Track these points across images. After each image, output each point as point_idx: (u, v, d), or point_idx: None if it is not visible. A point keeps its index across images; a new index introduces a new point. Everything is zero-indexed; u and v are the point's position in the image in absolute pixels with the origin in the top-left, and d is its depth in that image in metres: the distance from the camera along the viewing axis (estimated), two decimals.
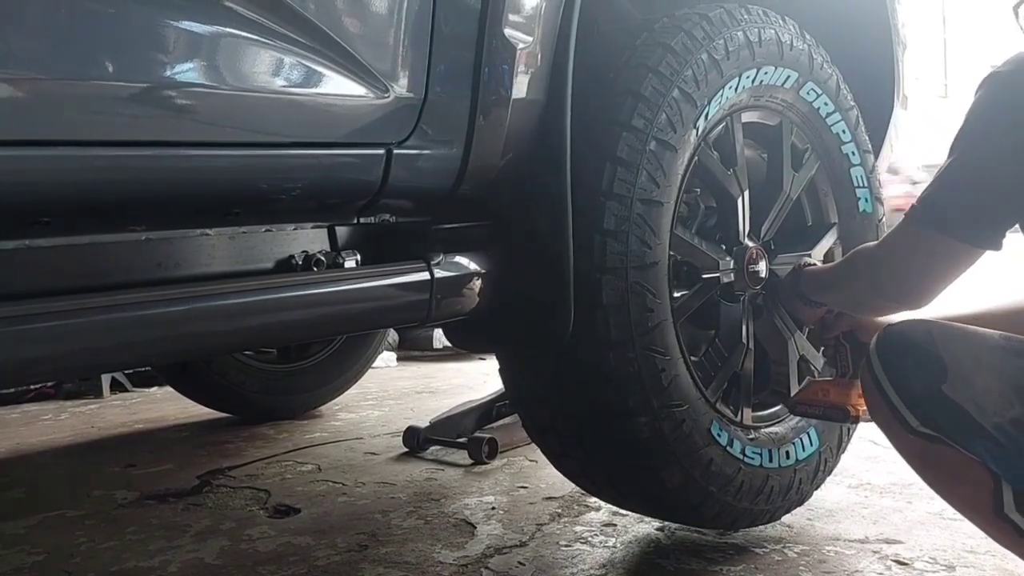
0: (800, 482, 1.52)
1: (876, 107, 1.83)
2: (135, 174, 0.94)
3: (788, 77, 1.50)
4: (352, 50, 1.04)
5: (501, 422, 2.23)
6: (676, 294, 1.38)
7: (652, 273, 1.30)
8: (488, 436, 2.10)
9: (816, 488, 1.60)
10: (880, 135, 1.84)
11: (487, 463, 2.07)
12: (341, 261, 1.15)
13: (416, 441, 2.20)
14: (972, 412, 0.98)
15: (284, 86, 1.01)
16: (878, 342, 1.07)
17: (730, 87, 1.40)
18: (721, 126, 1.45)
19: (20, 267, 0.93)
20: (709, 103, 1.37)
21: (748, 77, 1.43)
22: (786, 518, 1.62)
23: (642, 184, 1.28)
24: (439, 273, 1.17)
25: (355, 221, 1.18)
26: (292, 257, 1.14)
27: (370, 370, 3.26)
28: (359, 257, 1.17)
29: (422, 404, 2.83)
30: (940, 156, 1.13)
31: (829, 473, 1.61)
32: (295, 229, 1.15)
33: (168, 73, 0.92)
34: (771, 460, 1.47)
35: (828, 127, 1.60)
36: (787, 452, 1.51)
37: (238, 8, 0.95)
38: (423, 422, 2.25)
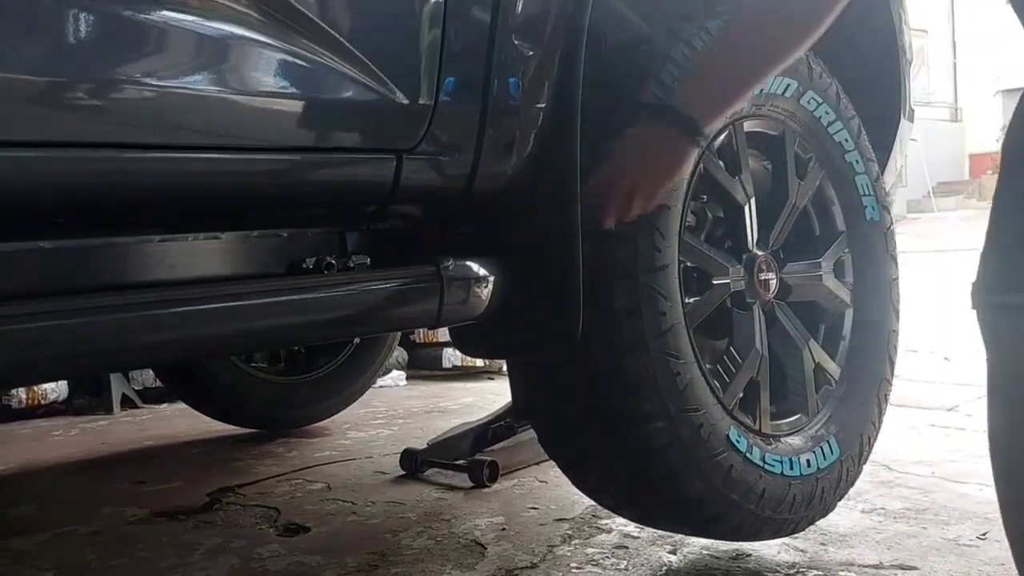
0: (823, 491, 1.50)
1: (884, 119, 1.83)
2: (148, 177, 0.95)
3: (788, 86, 1.51)
4: (363, 56, 1.05)
5: (500, 444, 2.19)
6: (688, 299, 1.37)
7: (663, 276, 1.30)
8: (489, 459, 2.08)
9: (839, 498, 1.56)
10: (888, 146, 1.85)
11: (488, 486, 2.04)
12: (351, 265, 1.16)
13: (414, 463, 2.18)
14: None
15: (295, 91, 1.02)
16: None
17: None
18: (724, 134, 1.45)
19: (35, 266, 0.94)
20: None
21: None
22: (799, 543, 1.59)
23: None
24: (449, 277, 1.17)
25: (366, 226, 1.19)
26: (303, 261, 1.15)
27: (379, 389, 3.25)
28: (369, 261, 1.18)
29: (431, 424, 2.81)
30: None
31: (852, 484, 1.58)
32: (306, 233, 1.16)
33: (183, 77, 0.93)
34: (792, 468, 1.45)
35: (830, 136, 1.60)
36: (808, 461, 1.48)
37: (253, 14, 0.97)
38: (421, 444, 2.24)
